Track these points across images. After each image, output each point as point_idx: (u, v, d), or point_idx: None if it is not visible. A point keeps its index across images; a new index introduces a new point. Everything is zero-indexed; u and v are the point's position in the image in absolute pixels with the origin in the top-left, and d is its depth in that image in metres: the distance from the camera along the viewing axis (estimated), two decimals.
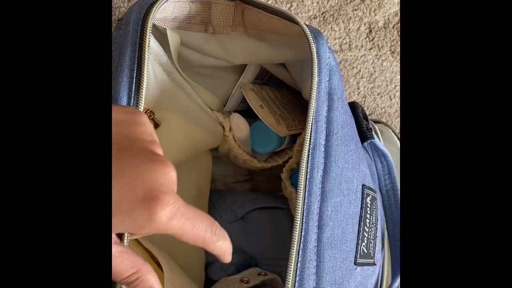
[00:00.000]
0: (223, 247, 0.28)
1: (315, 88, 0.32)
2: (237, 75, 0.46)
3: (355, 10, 0.60)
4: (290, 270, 0.29)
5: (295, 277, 0.29)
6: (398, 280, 0.38)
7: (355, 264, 0.33)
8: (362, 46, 0.60)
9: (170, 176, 0.25)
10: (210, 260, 0.47)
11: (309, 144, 0.31)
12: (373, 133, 0.39)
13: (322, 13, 0.59)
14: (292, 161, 0.43)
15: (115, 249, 0.25)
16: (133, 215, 0.24)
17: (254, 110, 0.43)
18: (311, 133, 0.31)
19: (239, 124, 0.46)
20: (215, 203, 0.49)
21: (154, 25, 0.37)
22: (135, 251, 0.35)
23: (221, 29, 0.38)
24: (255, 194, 0.52)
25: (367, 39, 0.60)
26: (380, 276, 0.40)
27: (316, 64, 0.32)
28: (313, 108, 0.32)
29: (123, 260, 0.25)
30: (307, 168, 0.31)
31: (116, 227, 0.24)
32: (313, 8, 0.59)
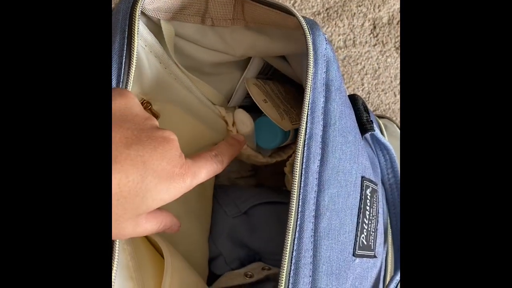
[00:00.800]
0: (230, 157, 0.34)
1: (311, 79, 0.32)
2: (241, 71, 0.46)
3: (359, 6, 0.60)
4: (285, 259, 0.30)
5: (290, 265, 0.30)
6: (399, 274, 0.38)
7: (353, 255, 0.33)
8: (366, 42, 0.60)
9: (177, 144, 0.29)
10: (214, 254, 0.47)
11: (305, 134, 0.31)
12: (374, 125, 0.39)
13: (326, 9, 0.59)
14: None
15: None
16: (170, 191, 0.28)
17: (258, 105, 0.43)
18: (306, 124, 0.32)
19: (243, 120, 0.46)
20: (219, 198, 0.49)
21: (148, 17, 0.37)
22: (136, 240, 0.35)
23: (220, 22, 0.38)
24: (259, 189, 0.52)
25: (371, 35, 0.60)
26: (383, 269, 0.40)
27: (312, 55, 0.32)
28: (308, 98, 0.32)
29: (151, 220, 0.30)
30: (302, 158, 0.31)
31: (158, 204, 0.28)
32: (317, 4, 0.59)
